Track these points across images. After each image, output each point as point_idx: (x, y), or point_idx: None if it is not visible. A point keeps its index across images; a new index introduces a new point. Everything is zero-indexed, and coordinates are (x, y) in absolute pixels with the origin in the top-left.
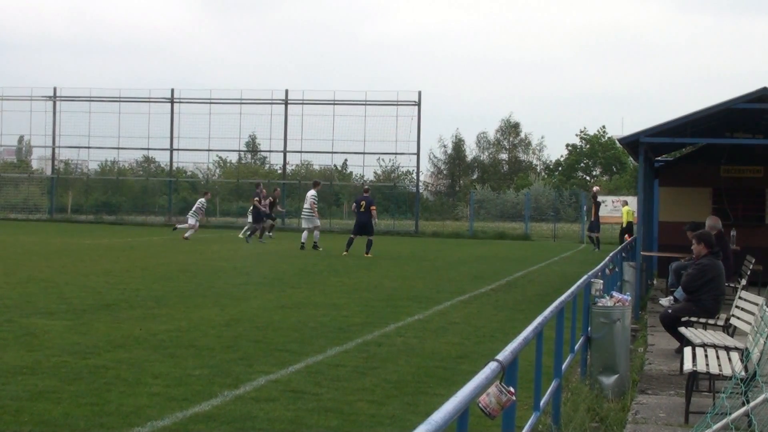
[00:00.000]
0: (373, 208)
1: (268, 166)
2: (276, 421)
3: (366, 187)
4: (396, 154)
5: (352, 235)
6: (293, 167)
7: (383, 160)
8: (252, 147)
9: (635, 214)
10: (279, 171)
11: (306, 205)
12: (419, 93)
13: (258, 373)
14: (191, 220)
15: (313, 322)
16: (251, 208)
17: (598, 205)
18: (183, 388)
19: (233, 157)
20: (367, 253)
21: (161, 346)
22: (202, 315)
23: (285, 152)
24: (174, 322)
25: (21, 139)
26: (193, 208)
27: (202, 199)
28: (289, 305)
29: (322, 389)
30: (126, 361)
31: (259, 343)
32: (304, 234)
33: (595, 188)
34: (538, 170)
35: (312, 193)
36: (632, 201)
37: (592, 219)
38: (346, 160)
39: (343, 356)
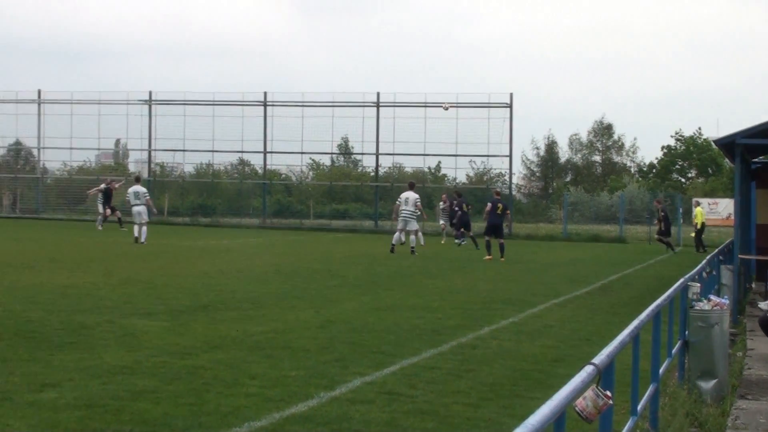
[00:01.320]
0: (508, 212)
1: (360, 168)
2: (371, 423)
3: (497, 189)
4: (488, 156)
5: (486, 238)
6: (386, 169)
7: (475, 162)
8: (344, 149)
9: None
10: (371, 173)
11: (410, 207)
12: (511, 95)
13: (353, 374)
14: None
15: (408, 324)
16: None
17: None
18: (279, 389)
19: (326, 160)
20: (501, 257)
21: (257, 347)
22: (297, 317)
23: (377, 155)
24: (270, 323)
25: (118, 142)
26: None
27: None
28: (383, 307)
29: (417, 391)
30: (223, 362)
31: (354, 344)
32: (396, 236)
33: (655, 201)
34: (632, 172)
35: (416, 195)
36: (727, 203)
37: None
38: (439, 162)
39: (438, 359)
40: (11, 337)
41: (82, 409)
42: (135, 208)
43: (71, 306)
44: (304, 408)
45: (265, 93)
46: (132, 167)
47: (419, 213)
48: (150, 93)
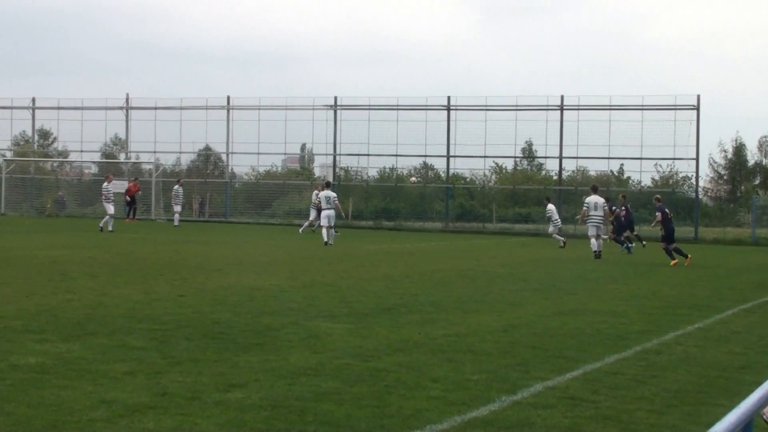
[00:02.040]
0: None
1: (543, 172)
2: (553, 428)
3: (657, 196)
4: (674, 159)
5: (672, 245)
6: (569, 173)
7: (660, 165)
8: (528, 153)
9: None
10: (555, 177)
11: (599, 213)
12: (698, 97)
13: (535, 379)
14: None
15: (591, 329)
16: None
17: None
18: (461, 393)
19: (509, 164)
20: (686, 258)
21: (440, 351)
22: (479, 320)
23: (561, 158)
24: (452, 326)
25: (303, 147)
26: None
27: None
28: (566, 312)
29: (600, 397)
30: (406, 365)
31: (536, 349)
32: (593, 242)
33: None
34: None
35: (603, 199)
36: None
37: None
38: (622, 165)
39: (622, 364)
40: (200, 338)
41: (267, 410)
42: (325, 212)
43: (258, 308)
44: (485, 412)
45: (449, 97)
46: (317, 171)
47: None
48: (335, 98)
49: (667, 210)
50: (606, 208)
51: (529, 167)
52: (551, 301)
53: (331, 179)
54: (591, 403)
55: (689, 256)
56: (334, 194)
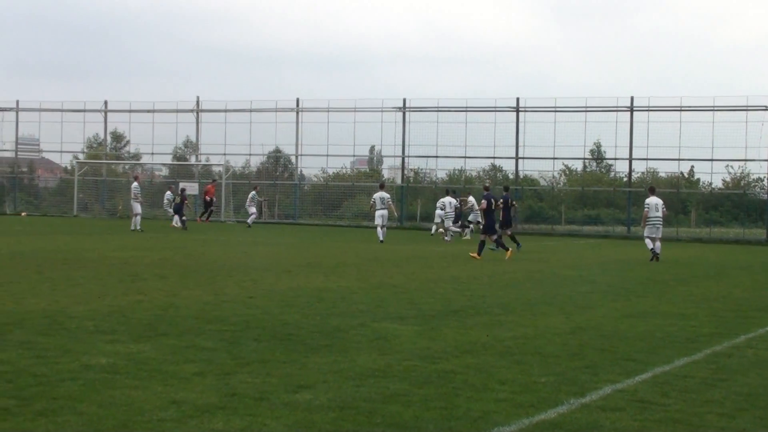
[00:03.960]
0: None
1: (613, 173)
2: (622, 431)
3: (486, 184)
4: (745, 160)
5: (495, 236)
6: (638, 174)
7: (732, 167)
8: (597, 155)
9: None
10: (624, 178)
11: (659, 214)
12: None
13: (604, 382)
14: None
15: (660, 331)
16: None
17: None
18: (529, 395)
19: (578, 165)
20: (506, 251)
21: (508, 353)
22: (547, 322)
23: (630, 159)
24: (520, 329)
25: (372, 149)
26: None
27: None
28: (635, 314)
29: (670, 400)
30: (473, 367)
31: (604, 351)
32: (649, 243)
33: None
34: None
35: (661, 200)
36: None
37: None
38: (692, 166)
39: (692, 367)
40: (269, 339)
41: (335, 411)
42: (378, 212)
43: (326, 309)
44: (553, 414)
45: (518, 98)
46: (386, 173)
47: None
48: (404, 100)
49: (494, 198)
50: (664, 209)
51: (598, 169)
52: (620, 304)
53: (399, 181)
54: (660, 407)
55: (510, 249)
56: (388, 195)
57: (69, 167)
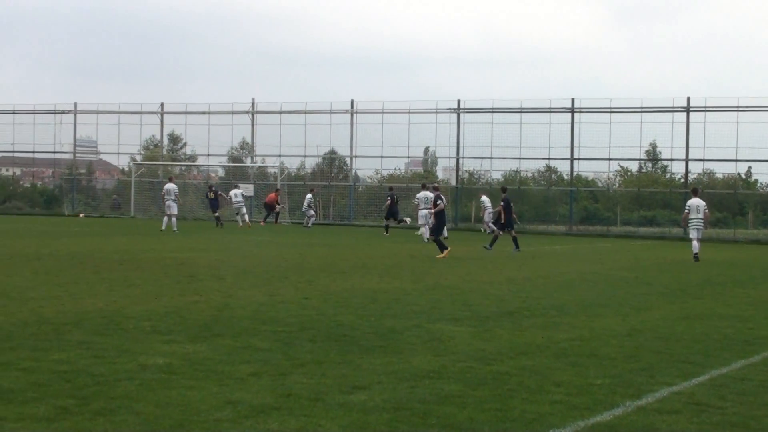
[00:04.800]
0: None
1: (669, 174)
2: None
3: (435, 184)
4: None
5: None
6: (695, 175)
7: None
8: (652, 156)
9: None
10: (680, 179)
11: (700, 215)
12: None
13: (660, 384)
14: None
15: (718, 333)
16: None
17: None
18: (585, 397)
19: (633, 166)
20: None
21: (563, 355)
22: (603, 324)
23: (687, 160)
24: (575, 330)
25: (427, 150)
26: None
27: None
28: (692, 316)
29: (727, 403)
30: (528, 369)
31: (661, 353)
32: (695, 244)
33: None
34: None
35: (704, 202)
36: None
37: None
38: (750, 167)
39: (749, 370)
40: (324, 339)
41: (390, 412)
42: (422, 211)
43: (380, 310)
44: (609, 417)
45: (573, 99)
46: (440, 174)
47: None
48: (458, 101)
49: (441, 199)
50: (707, 211)
51: (654, 170)
52: (677, 305)
53: (453, 182)
54: (717, 409)
55: (448, 249)
56: (431, 195)
57: (126, 169)
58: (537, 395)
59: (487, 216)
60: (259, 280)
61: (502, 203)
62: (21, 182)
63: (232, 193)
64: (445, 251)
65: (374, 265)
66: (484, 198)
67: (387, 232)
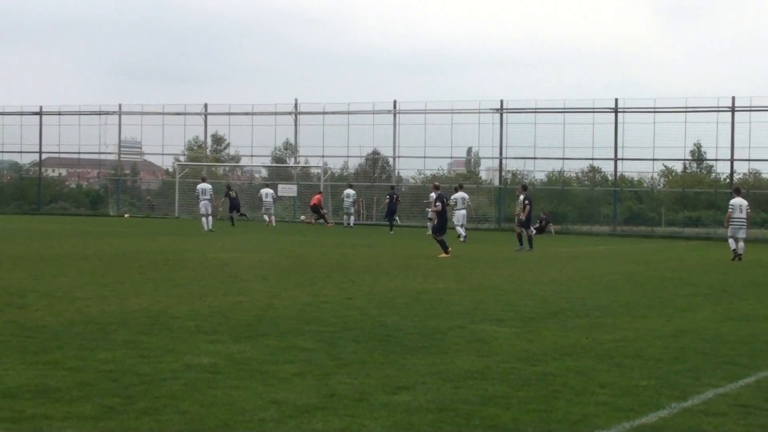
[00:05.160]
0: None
1: (714, 174)
2: None
3: (435, 183)
4: None
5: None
6: (740, 176)
7: None
8: (697, 156)
9: None
10: (725, 180)
11: (743, 215)
12: None
13: (706, 386)
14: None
15: (764, 335)
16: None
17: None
18: (630, 399)
19: (678, 166)
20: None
21: (607, 356)
22: (648, 325)
23: (732, 161)
24: (620, 331)
25: (470, 150)
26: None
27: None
28: (737, 317)
29: None
30: (573, 370)
31: (706, 355)
32: (732, 242)
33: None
34: None
35: (746, 202)
36: None
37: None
38: None
39: None
40: (368, 340)
41: (434, 412)
42: (459, 212)
43: (424, 311)
44: (654, 418)
45: (616, 99)
46: (483, 175)
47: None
48: (501, 102)
49: (445, 198)
50: (749, 211)
51: (698, 170)
52: (722, 306)
53: (496, 183)
54: (765, 412)
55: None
56: (467, 195)
57: (170, 169)
58: (581, 396)
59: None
60: (302, 280)
61: (526, 201)
62: (67, 183)
63: (262, 192)
64: (447, 252)
65: (418, 265)
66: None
67: (392, 231)
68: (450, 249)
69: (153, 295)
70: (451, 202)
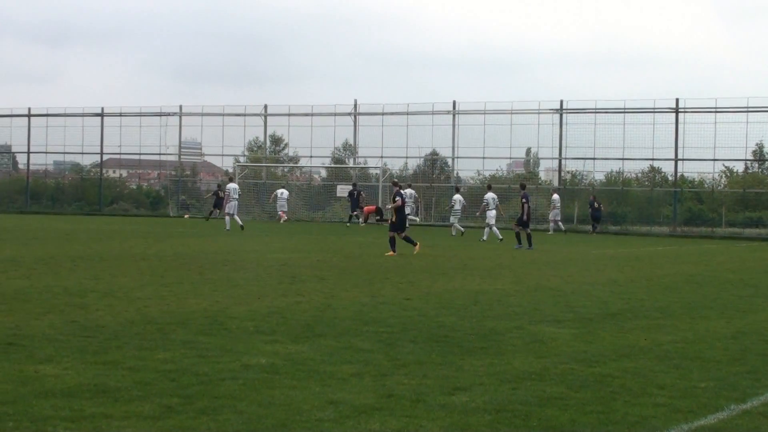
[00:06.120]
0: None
1: None
2: None
3: (394, 180)
4: None
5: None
6: None
7: None
8: (759, 156)
9: None
10: None
11: None
12: None
13: (765, 387)
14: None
15: None
16: None
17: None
18: (688, 400)
19: (739, 167)
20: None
21: (666, 357)
22: (707, 326)
23: None
24: (679, 333)
25: (529, 151)
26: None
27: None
28: None
29: None
30: (631, 371)
31: (766, 357)
32: None
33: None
34: None
35: None
36: None
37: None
38: None
39: None
40: (425, 340)
41: (491, 413)
42: (490, 212)
43: (482, 312)
44: (713, 420)
45: (677, 99)
46: (543, 176)
47: None
48: (561, 102)
49: (400, 196)
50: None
51: (760, 170)
52: None
53: (556, 183)
54: None
55: (417, 243)
56: (496, 195)
57: (230, 170)
58: (640, 398)
59: (553, 214)
60: (360, 280)
61: (524, 200)
62: (127, 184)
63: (278, 191)
64: (394, 251)
65: (475, 266)
66: (555, 196)
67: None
68: (417, 245)
69: (212, 295)
70: (483, 203)
